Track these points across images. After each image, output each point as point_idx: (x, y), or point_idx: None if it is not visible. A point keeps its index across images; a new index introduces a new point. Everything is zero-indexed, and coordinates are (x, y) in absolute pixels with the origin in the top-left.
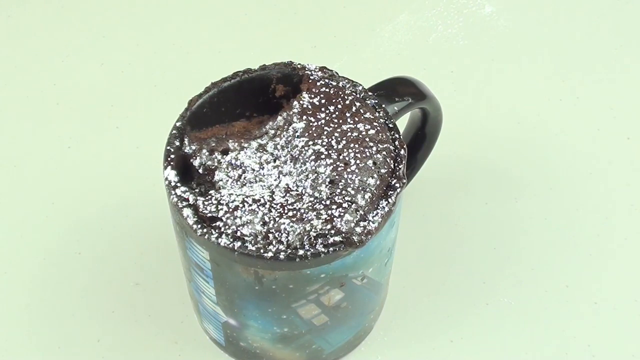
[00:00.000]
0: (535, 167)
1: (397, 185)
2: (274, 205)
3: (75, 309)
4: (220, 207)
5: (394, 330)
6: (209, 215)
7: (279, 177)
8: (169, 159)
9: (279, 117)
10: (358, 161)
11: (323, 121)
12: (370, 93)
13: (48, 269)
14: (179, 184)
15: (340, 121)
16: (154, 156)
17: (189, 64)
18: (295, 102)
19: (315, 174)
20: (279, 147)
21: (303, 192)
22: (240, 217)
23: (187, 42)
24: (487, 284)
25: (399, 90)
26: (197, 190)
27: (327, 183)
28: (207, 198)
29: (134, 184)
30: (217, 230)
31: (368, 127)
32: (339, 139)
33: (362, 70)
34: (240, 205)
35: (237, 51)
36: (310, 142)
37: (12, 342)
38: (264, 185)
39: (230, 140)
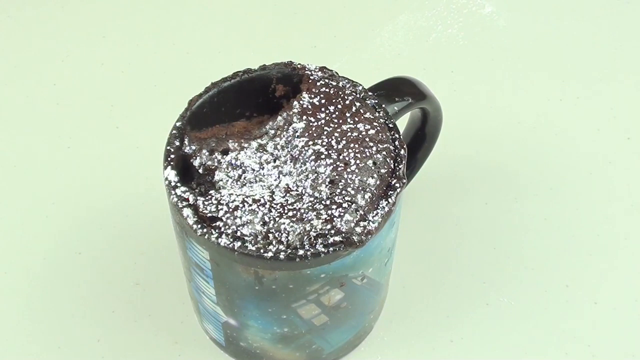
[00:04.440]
0: (535, 167)
1: (397, 185)
2: (274, 205)
3: (75, 309)
4: (220, 207)
5: (394, 330)
6: (209, 215)
7: (279, 177)
8: (169, 159)
9: (279, 117)
10: (358, 161)
11: (323, 121)
12: (370, 93)
13: (48, 269)
14: (179, 184)
15: (340, 121)
16: (154, 156)
17: (189, 64)
18: (295, 102)
19: (315, 174)
20: (279, 147)
21: (303, 192)
22: (240, 217)
23: (187, 42)
24: (487, 284)
25: (399, 90)
26: (197, 190)
27: (327, 183)
28: (207, 198)
29: (134, 184)
30: (217, 230)
31: (368, 127)
32: (339, 139)
33: (362, 70)
34: (240, 205)
35: (237, 51)
36: (310, 142)
37: (12, 342)
38: (264, 185)
39: (230, 140)
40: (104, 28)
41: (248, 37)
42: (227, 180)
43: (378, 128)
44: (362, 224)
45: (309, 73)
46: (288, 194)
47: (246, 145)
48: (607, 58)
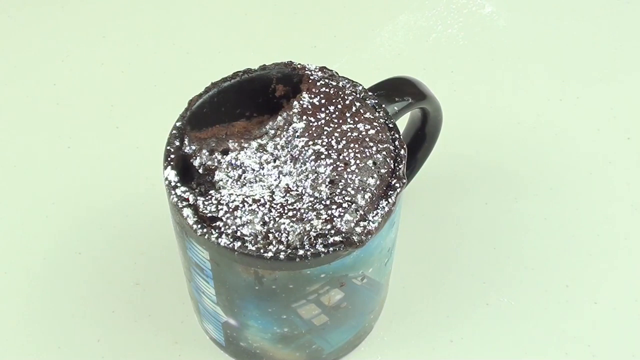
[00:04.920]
0: (535, 167)
1: (397, 185)
2: (274, 205)
3: (75, 309)
4: (220, 207)
5: (394, 330)
6: (209, 215)
7: (279, 177)
8: (169, 159)
9: (279, 117)
10: (358, 161)
11: (323, 121)
12: (370, 93)
13: (48, 269)
14: (179, 184)
15: (340, 121)
16: (154, 156)
17: (189, 64)
18: (295, 102)
19: (315, 174)
20: (279, 147)
21: (303, 192)
22: (240, 217)
23: (187, 42)
24: (487, 284)
25: (399, 90)
26: (197, 190)
27: (327, 183)
28: (207, 198)
29: (134, 184)
30: (217, 230)
31: (368, 127)
32: (339, 139)
33: (362, 70)
34: (240, 205)
35: (237, 51)
36: (310, 142)
37: (12, 342)
38: (264, 185)
39: (230, 140)
40: (104, 28)
41: (248, 37)
42: (227, 180)
43: (378, 128)
44: (362, 224)
45: (309, 73)
46: (288, 194)
47: (246, 145)
48: (607, 58)
